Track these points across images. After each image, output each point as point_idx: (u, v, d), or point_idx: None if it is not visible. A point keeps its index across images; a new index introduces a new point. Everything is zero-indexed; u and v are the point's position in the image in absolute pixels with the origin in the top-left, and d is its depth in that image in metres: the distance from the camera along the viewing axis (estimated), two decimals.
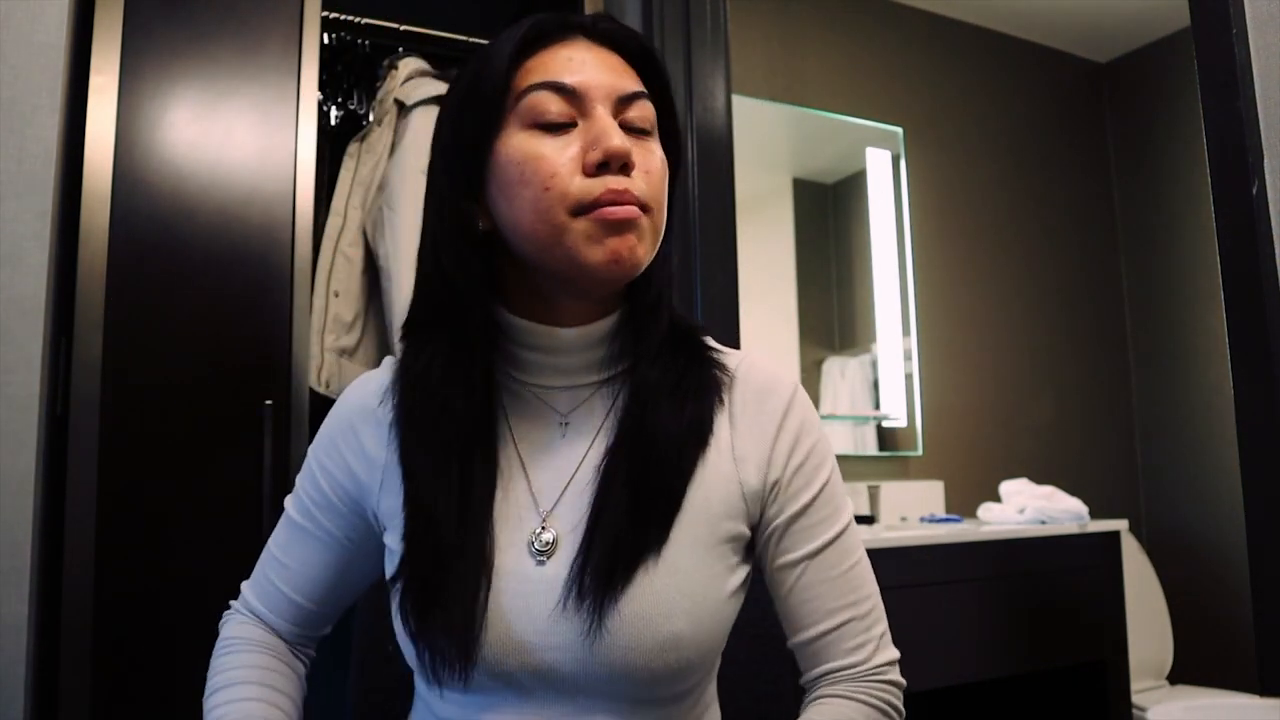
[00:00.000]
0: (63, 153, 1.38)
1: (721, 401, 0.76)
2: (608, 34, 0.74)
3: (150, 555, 1.42)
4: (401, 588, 0.71)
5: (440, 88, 1.92)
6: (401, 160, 1.86)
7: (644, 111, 0.72)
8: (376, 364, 1.88)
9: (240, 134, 1.56)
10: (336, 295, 1.84)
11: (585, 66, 0.71)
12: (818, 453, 0.78)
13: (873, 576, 0.78)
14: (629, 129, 0.71)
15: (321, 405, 1.73)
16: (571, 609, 0.67)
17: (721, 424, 0.76)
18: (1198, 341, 3.08)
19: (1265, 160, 0.91)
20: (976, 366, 2.99)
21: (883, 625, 0.77)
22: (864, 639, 0.75)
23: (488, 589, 0.69)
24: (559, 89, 0.70)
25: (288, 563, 0.82)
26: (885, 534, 2.10)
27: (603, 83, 0.70)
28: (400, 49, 2.00)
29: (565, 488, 0.73)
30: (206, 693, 0.78)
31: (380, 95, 1.94)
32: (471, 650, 0.68)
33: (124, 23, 1.48)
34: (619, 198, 0.67)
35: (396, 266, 1.81)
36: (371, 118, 1.94)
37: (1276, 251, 0.90)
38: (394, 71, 1.94)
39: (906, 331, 2.86)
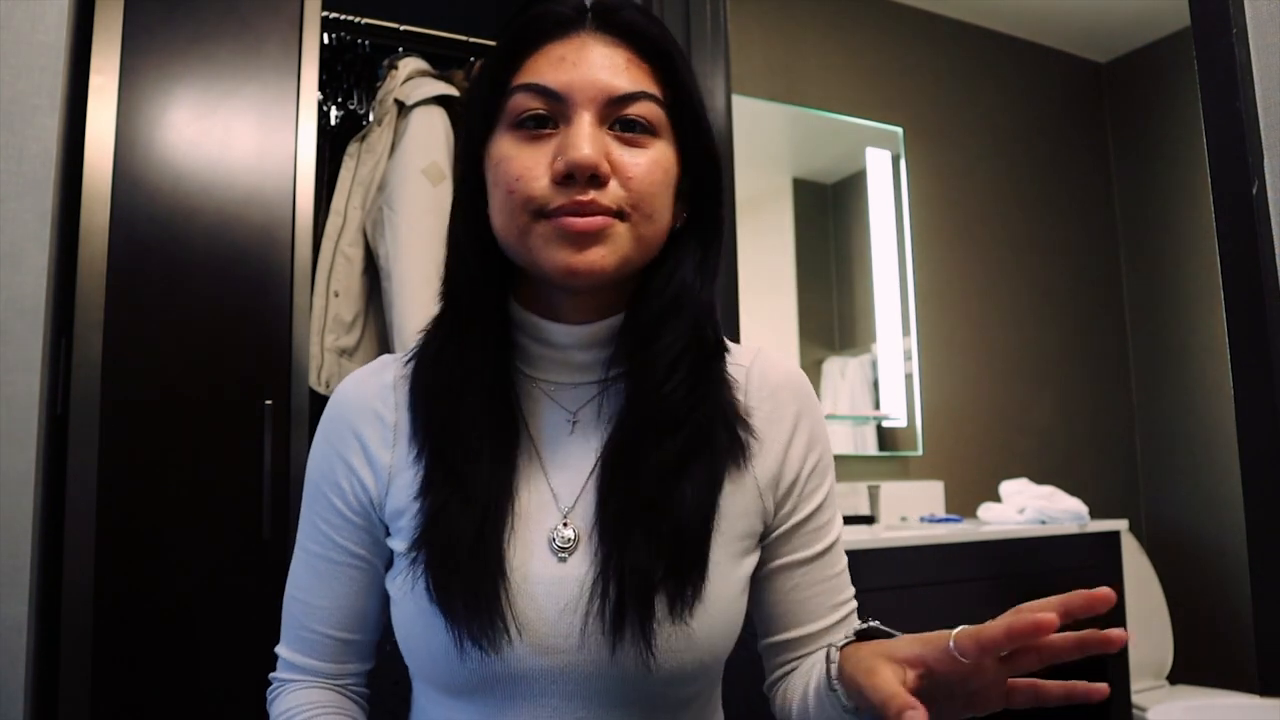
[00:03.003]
0: (63, 153, 1.38)
1: (732, 405, 0.75)
2: (618, 25, 0.71)
3: (150, 555, 1.41)
4: (424, 561, 0.69)
5: (440, 88, 1.92)
6: (401, 160, 1.86)
7: (641, 111, 0.69)
8: None
9: (240, 134, 1.56)
10: (336, 295, 1.84)
11: (577, 66, 0.68)
12: (827, 456, 0.80)
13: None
14: (619, 132, 0.69)
15: (321, 405, 1.73)
16: (594, 612, 0.67)
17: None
18: (1198, 341, 3.08)
19: (1265, 160, 0.91)
20: (976, 366, 2.99)
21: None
22: (853, 624, 0.78)
23: (505, 574, 0.69)
24: (540, 91, 0.68)
25: (320, 603, 0.77)
26: (885, 534, 2.09)
27: (591, 83, 0.68)
28: (400, 49, 2.01)
29: (583, 486, 0.73)
30: None
31: (380, 95, 1.94)
32: (501, 614, 0.67)
33: (124, 23, 1.48)
34: (582, 209, 0.66)
35: (396, 266, 1.81)
36: (371, 118, 1.94)
37: (1276, 251, 0.90)
38: (394, 71, 1.94)
39: (906, 331, 2.86)
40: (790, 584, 0.78)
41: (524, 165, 0.68)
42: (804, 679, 0.76)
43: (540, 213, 0.67)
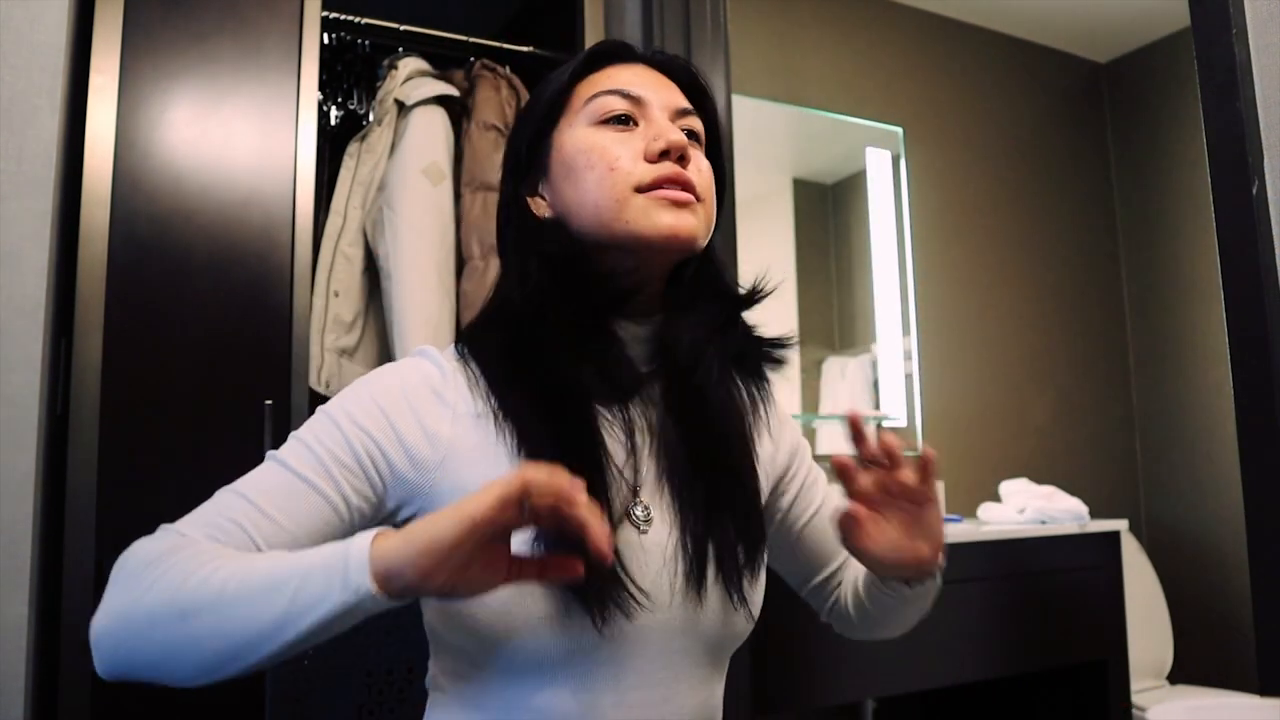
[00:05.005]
0: (63, 153, 1.38)
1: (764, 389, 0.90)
2: (663, 63, 0.86)
3: None
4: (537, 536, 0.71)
5: (440, 88, 1.92)
6: (401, 160, 1.86)
7: (695, 125, 0.83)
8: (376, 363, 1.89)
9: (240, 134, 1.56)
10: (336, 295, 1.84)
11: (646, 84, 0.82)
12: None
13: None
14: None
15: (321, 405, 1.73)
16: (681, 572, 0.77)
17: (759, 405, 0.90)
18: (1198, 341, 3.08)
19: (1265, 160, 0.91)
20: (976, 366, 2.99)
21: None
22: None
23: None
24: (624, 95, 0.80)
25: (274, 515, 0.69)
26: None
27: (661, 96, 0.82)
28: (400, 49, 2.00)
29: (645, 466, 0.80)
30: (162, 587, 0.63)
31: (380, 95, 1.94)
32: (616, 583, 0.73)
33: (124, 23, 1.48)
34: (679, 178, 0.77)
35: (396, 266, 1.81)
36: (371, 118, 1.94)
37: (1276, 251, 0.90)
38: (394, 71, 1.94)
39: (906, 331, 2.85)
40: (819, 531, 0.93)
41: (620, 151, 0.78)
42: (851, 590, 0.93)
43: (641, 188, 0.77)
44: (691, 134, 0.82)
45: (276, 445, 0.77)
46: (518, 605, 0.71)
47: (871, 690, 1.98)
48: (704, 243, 0.81)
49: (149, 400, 1.44)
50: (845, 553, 0.92)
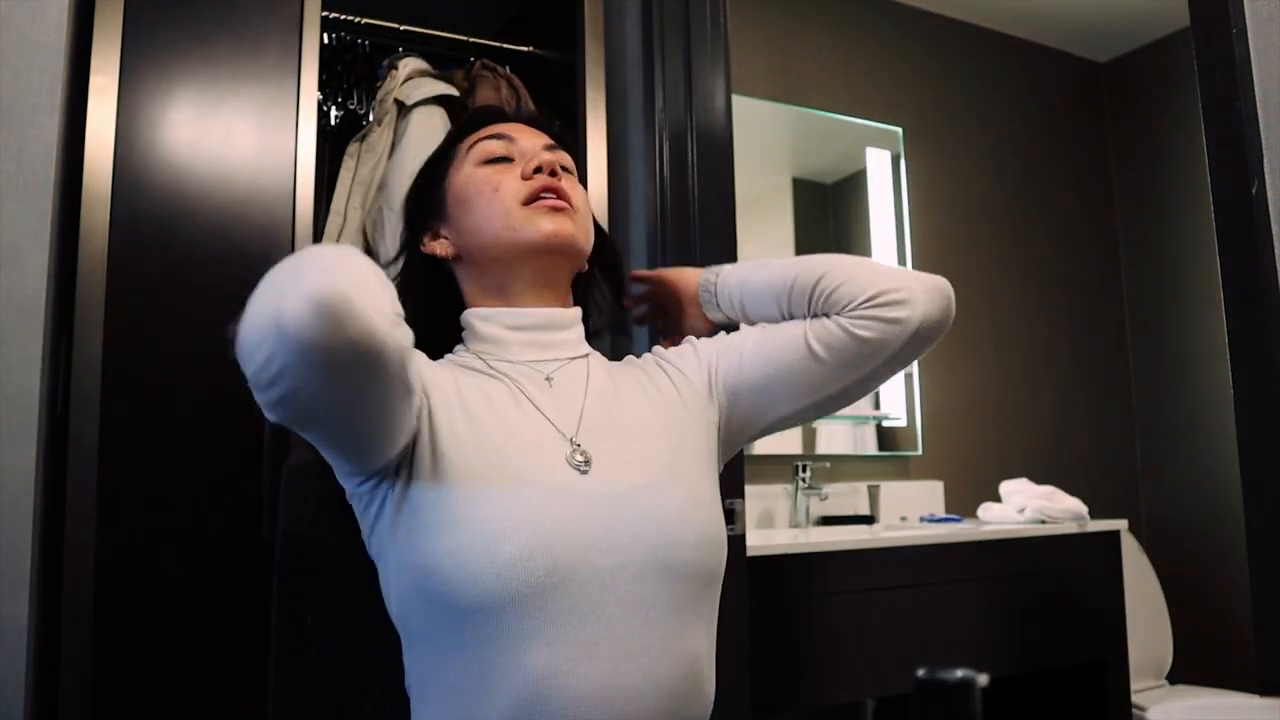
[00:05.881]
0: (63, 153, 1.38)
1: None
2: (530, 119, 1.04)
3: (150, 555, 1.42)
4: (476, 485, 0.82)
5: (440, 88, 1.92)
6: (401, 160, 1.86)
7: (564, 159, 1.00)
8: None
9: (240, 134, 1.56)
10: None
11: (517, 130, 1.01)
12: (688, 345, 1.05)
13: None
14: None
15: None
16: (625, 515, 0.83)
17: (661, 370, 1.01)
18: (1198, 341, 3.08)
19: (1265, 160, 0.91)
20: (976, 366, 2.99)
21: None
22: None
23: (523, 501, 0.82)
24: (500, 136, 0.99)
25: None
26: (885, 534, 2.10)
27: (529, 136, 1.00)
28: (400, 49, 2.00)
29: (579, 420, 0.91)
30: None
31: (380, 95, 1.94)
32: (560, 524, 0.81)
33: (124, 23, 1.48)
34: (552, 187, 0.93)
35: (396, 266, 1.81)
36: (371, 118, 1.94)
37: (1276, 251, 0.90)
38: (394, 71, 1.94)
39: None
40: (764, 350, 0.97)
41: (501, 178, 0.95)
42: (818, 327, 0.99)
43: (523, 202, 0.93)
44: (562, 166, 0.97)
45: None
46: (473, 551, 0.78)
47: (871, 690, 1.98)
48: (586, 248, 0.97)
49: (149, 400, 1.44)
50: (798, 327, 0.97)
